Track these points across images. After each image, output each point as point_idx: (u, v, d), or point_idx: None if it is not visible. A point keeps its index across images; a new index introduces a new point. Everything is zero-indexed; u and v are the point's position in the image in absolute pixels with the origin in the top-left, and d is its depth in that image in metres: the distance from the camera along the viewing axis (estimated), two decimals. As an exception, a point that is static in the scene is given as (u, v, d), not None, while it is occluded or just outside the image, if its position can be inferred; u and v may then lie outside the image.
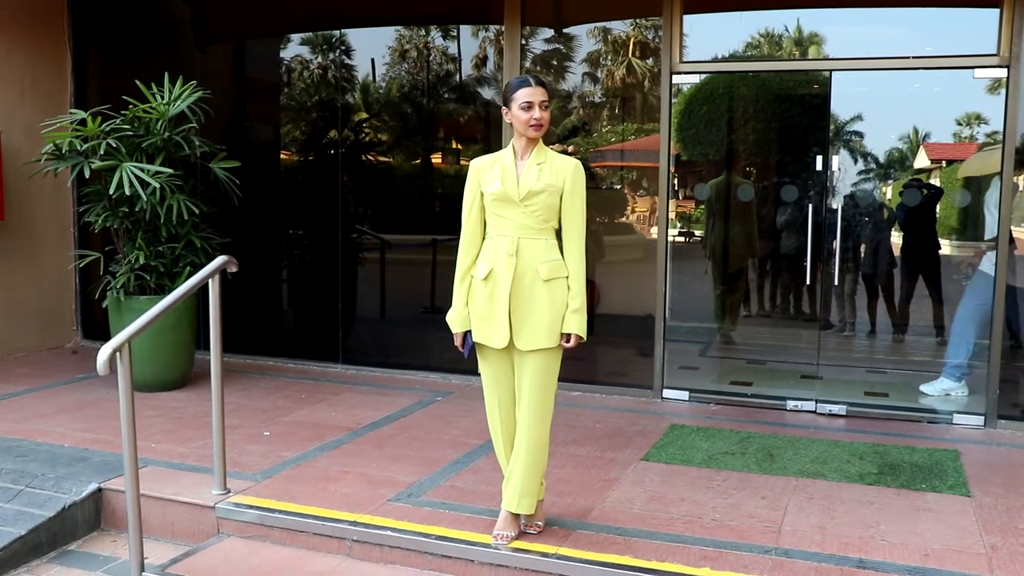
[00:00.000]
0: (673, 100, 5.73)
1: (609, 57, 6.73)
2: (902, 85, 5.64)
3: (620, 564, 3.28)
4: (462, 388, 6.01)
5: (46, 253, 7.07)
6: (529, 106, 3.28)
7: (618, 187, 6.90)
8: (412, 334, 6.89)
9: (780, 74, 6.14)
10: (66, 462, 4.30)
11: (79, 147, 5.61)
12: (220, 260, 3.92)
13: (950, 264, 6.14)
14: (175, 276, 5.76)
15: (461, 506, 3.81)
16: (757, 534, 3.57)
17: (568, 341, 3.35)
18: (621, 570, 3.25)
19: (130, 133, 5.62)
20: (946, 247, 6.15)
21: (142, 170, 5.46)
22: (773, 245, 6.53)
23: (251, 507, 3.78)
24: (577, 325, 3.32)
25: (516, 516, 3.49)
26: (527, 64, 6.32)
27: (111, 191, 5.45)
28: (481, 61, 6.91)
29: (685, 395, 5.76)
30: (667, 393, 5.80)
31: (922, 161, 6.20)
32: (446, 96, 7.14)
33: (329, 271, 6.81)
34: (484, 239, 3.41)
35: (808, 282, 5.80)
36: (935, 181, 6.18)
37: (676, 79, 5.70)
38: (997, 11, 5.11)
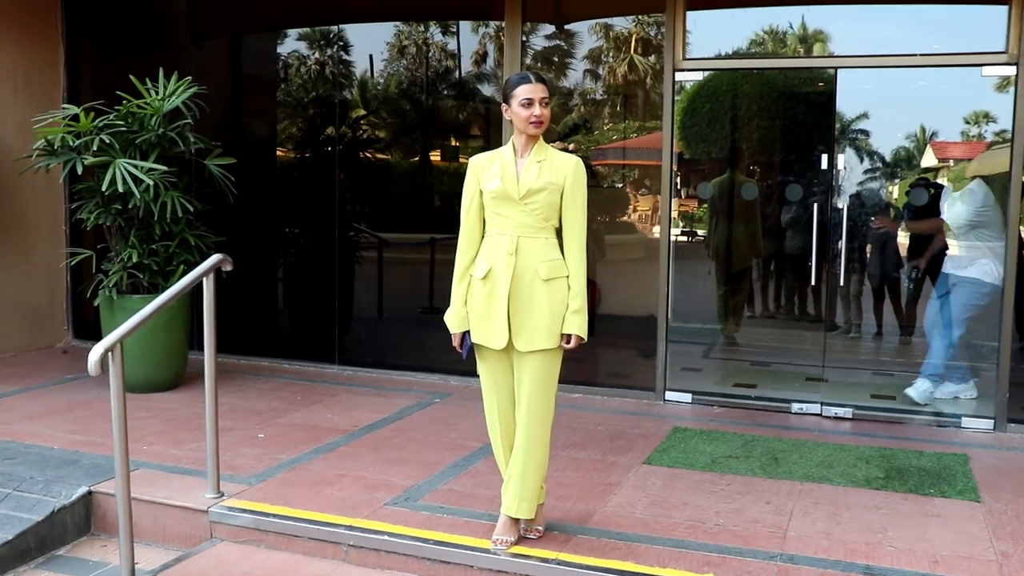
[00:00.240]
0: (676, 97, 5.71)
1: (611, 54, 6.71)
2: (909, 83, 5.62)
3: (622, 570, 3.26)
4: (461, 390, 5.98)
5: (37, 251, 7.04)
6: (529, 103, 3.26)
7: (620, 185, 6.89)
8: (410, 334, 6.88)
9: (785, 71, 6.13)
10: (56, 465, 4.27)
11: (71, 143, 5.59)
12: (215, 259, 3.90)
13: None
14: (169, 275, 5.74)
15: (459, 510, 3.79)
16: (762, 539, 3.54)
17: (568, 342, 3.33)
18: (623, 576, 3.22)
19: (124, 129, 5.60)
20: (954, 247, 6.13)
21: (136, 167, 5.43)
22: (777, 245, 6.51)
23: (245, 511, 3.76)
24: (578, 326, 3.30)
25: (516, 521, 3.47)
26: (528, 60, 6.30)
27: (104, 188, 5.42)
28: (481, 57, 6.90)
29: (688, 397, 5.74)
30: (669, 395, 5.77)
31: (929, 160, 6.18)
32: (445, 93, 7.12)
33: (326, 270, 6.78)
34: (483, 238, 3.39)
35: (813, 283, 5.79)
36: (942, 180, 6.16)
37: (679, 76, 5.68)
38: (1006, 8, 5.08)
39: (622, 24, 6.65)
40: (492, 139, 6.51)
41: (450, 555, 3.42)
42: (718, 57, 5.96)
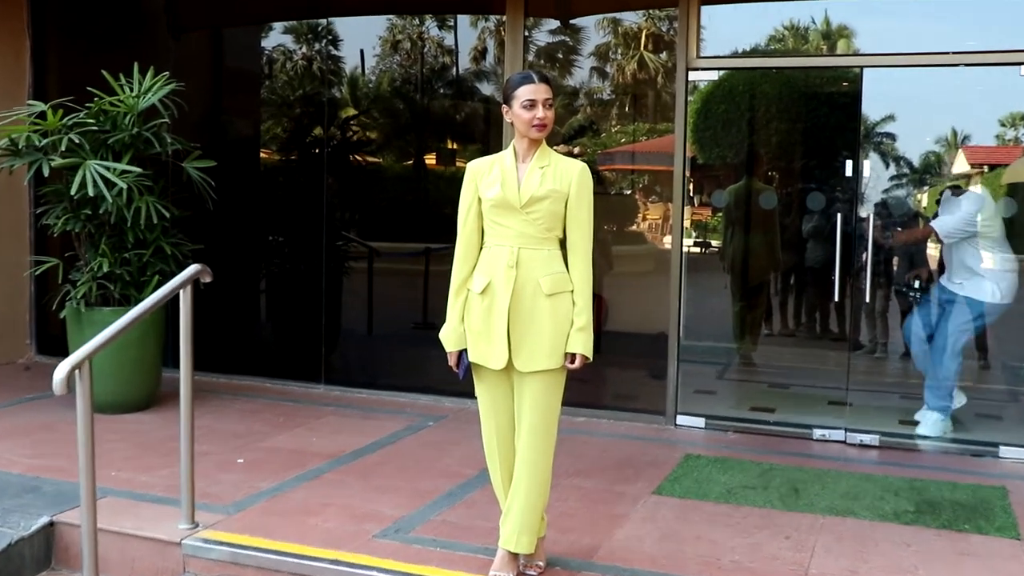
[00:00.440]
0: (689, 98, 5.72)
1: (619, 51, 6.74)
2: (940, 83, 5.62)
3: (630, 611, 3.24)
4: (456, 412, 5.97)
5: (-1, 259, 7.04)
6: (532, 104, 3.26)
7: (628, 192, 6.90)
8: (402, 352, 6.87)
9: (806, 71, 6.15)
10: (14, 492, 4.25)
11: (37, 142, 5.59)
12: (192, 269, 3.90)
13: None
14: (142, 286, 5.73)
15: (454, 543, 3.77)
16: (781, 578, 3.52)
17: (572, 362, 3.32)
18: (631, 617, 3.21)
19: (95, 128, 5.61)
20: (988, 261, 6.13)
21: (107, 169, 5.43)
22: (798, 257, 6.52)
23: (222, 543, 3.73)
24: (582, 344, 3.29)
25: (515, 555, 3.45)
26: (530, 58, 6.31)
27: (73, 191, 5.42)
28: (480, 54, 6.92)
29: (701, 422, 5.73)
30: (681, 419, 5.76)
31: (961, 166, 6.19)
32: (442, 92, 7.15)
33: (312, 282, 6.78)
34: (482, 249, 3.38)
35: (836, 298, 5.78)
36: (976, 188, 6.16)
37: (692, 75, 5.69)
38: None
39: (631, 19, 6.68)
40: (491, 142, 6.52)
41: (443, 593, 3.40)
42: (734, 55, 5.98)
